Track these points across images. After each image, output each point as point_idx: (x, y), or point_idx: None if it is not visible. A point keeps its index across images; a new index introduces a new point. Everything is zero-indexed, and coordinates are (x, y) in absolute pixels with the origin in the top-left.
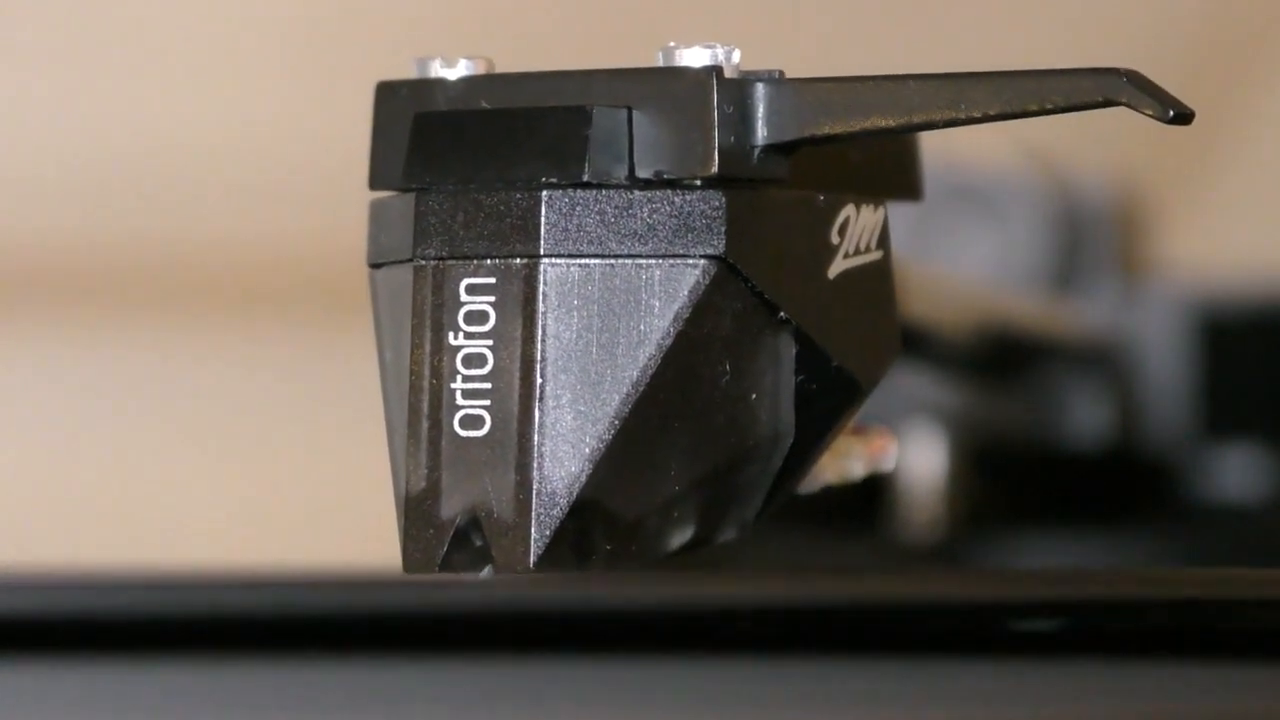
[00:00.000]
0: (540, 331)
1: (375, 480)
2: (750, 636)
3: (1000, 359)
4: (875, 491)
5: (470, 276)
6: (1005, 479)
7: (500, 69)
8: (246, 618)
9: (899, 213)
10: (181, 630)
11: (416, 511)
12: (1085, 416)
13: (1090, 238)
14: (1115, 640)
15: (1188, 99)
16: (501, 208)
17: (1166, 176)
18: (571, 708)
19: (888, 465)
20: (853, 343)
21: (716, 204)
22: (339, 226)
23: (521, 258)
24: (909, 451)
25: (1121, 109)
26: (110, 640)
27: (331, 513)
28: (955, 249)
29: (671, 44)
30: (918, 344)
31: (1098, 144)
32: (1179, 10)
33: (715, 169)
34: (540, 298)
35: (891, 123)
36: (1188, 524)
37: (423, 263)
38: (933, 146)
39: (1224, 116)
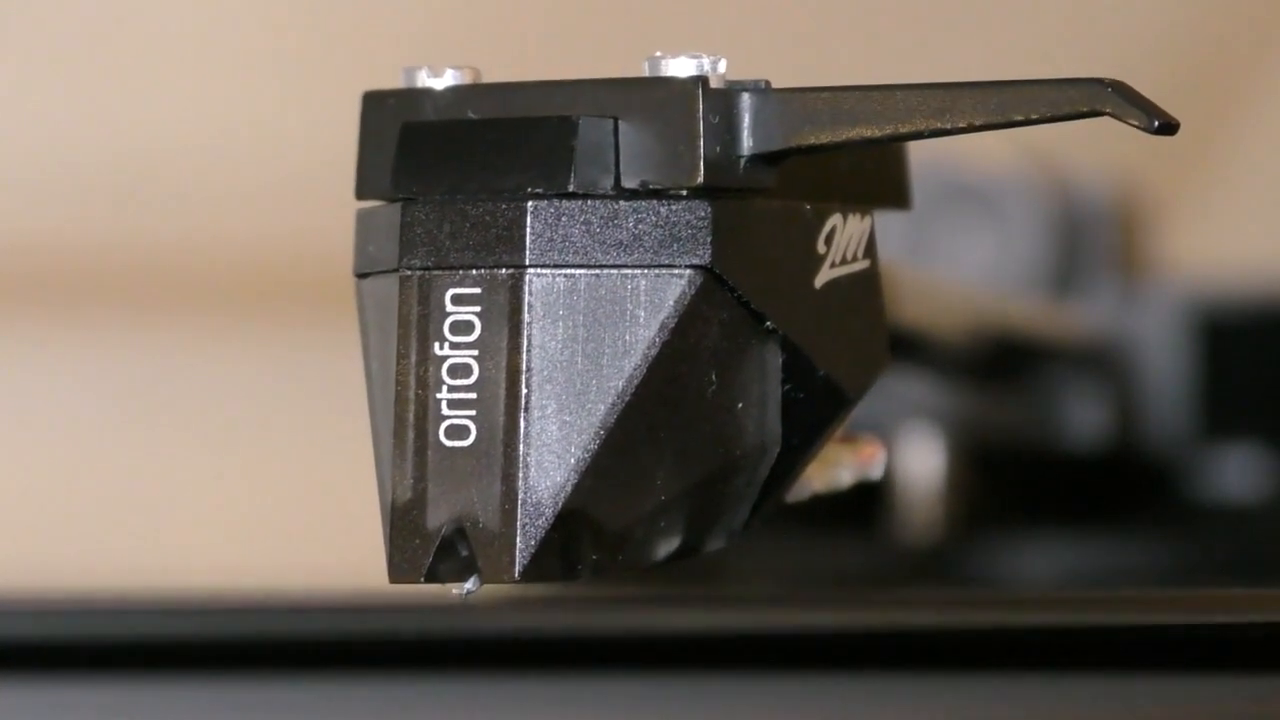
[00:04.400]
0: (526, 342)
1: (364, 487)
2: (750, 656)
3: (999, 361)
4: (874, 494)
5: (456, 287)
6: (1004, 481)
7: (487, 79)
8: (232, 639)
9: (897, 213)
10: (166, 652)
11: (402, 521)
12: (1085, 418)
13: (1090, 238)
14: (1111, 655)
15: (1188, 100)
16: (487, 218)
17: (1166, 177)
18: None
19: (876, 473)
20: (840, 352)
21: (702, 214)
22: (334, 232)
23: (507, 268)
24: (907, 454)
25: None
26: (95, 662)
27: (321, 518)
28: (954, 250)
29: (657, 54)
30: (916, 346)
31: (1097, 145)
32: (1180, 11)
33: (701, 179)
34: (526, 308)
35: (878, 132)
36: (1188, 525)
37: (409, 273)
38: (931, 147)
39: (1224, 117)
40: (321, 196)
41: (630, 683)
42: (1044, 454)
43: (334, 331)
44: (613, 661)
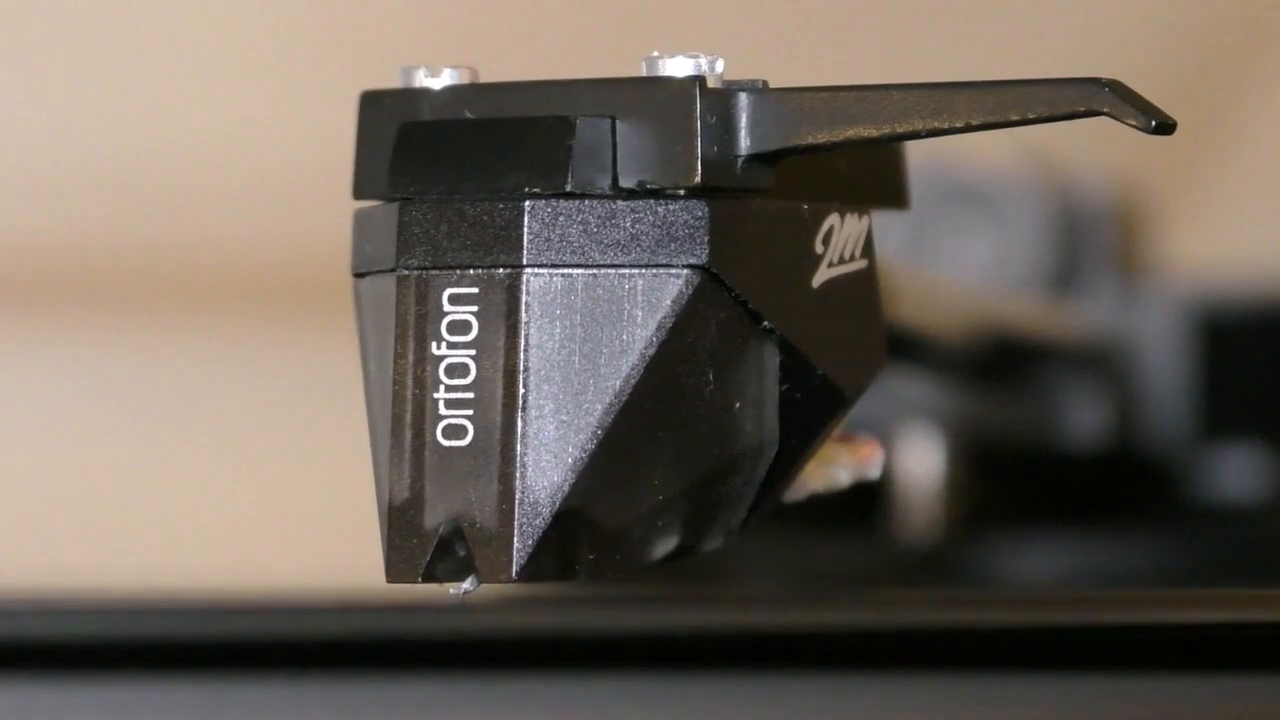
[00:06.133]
0: (523, 341)
1: (362, 487)
2: (750, 657)
3: (999, 361)
4: (873, 494)
5: (453, 286)
6: (1004, 481)
7: (484, 79)
8: (233, 640)
9: (897, 213)
10: (165, 652)
11: (400, 521)
12: (1084, 418)
13: (1090, 238)
14: (1112, 655)
15: (1188, 99)
16: (485, 218)
17: (1166, 176)
18: None
19: (874, 473)
20: (837, 351)
21: (700, 214)
22: (332, 232)
23: (504, 268)
24: (907, 454)
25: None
26: (97, 662)
27: (317, 518)
28: (954, 250)
29: (655, 53)
30: (916, 346)
31: (1097, 144)
32: (1180, 10)
33: (698, 179)
34: (523, 308)
35: (875, 132)
36: (1187, 525)
37: (406, 272)
38: (931, 146)
39: (1224, 116)
40: (319, 196)
41: (625, 682)
42: (1043, 454)
43: (332, 331)
44: (609, 661)
